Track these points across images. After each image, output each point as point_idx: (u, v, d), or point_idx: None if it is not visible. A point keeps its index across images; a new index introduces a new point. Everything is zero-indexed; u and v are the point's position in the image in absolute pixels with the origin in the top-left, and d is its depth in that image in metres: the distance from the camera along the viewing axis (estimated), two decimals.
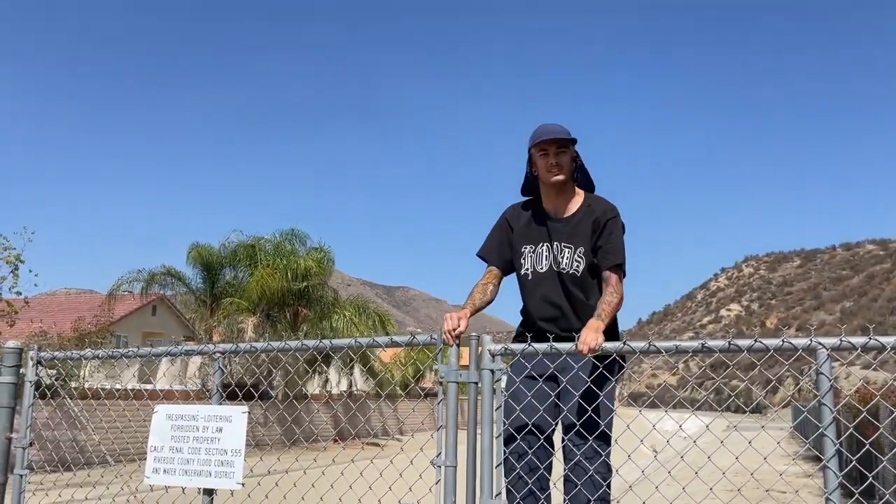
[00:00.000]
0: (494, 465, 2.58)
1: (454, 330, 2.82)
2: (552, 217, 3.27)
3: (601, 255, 3.15)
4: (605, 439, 2.91)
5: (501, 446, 2.62)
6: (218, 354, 3.21)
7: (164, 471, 3.18)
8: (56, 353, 3.79)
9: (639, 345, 2.53)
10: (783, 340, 2.33)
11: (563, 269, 3.19)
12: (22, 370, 3.68)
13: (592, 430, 2.86)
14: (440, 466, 2.66)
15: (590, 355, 2.63)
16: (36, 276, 20.66)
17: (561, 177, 3.17)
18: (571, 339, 2.83)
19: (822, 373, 2.24)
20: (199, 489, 3.12)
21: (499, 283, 3.35)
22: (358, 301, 28.81)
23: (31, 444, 3.62)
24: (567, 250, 3.21)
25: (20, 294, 16.48)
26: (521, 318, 3.39)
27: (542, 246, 3.26)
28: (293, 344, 3.18)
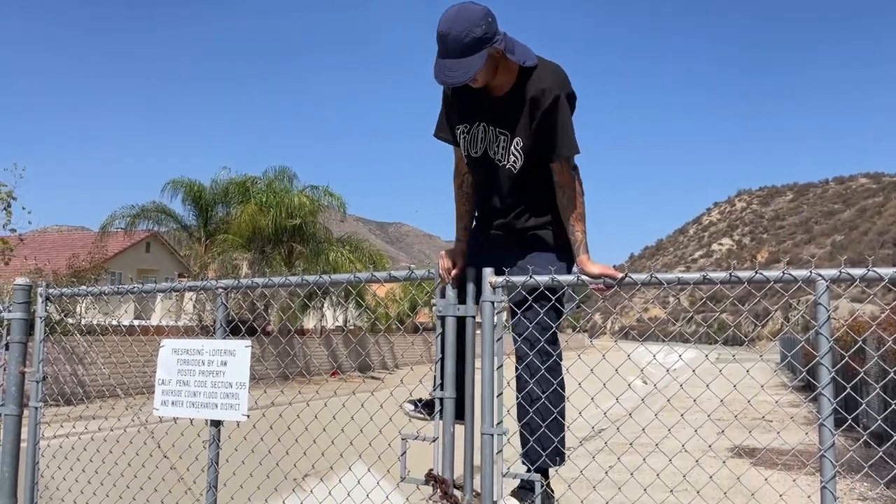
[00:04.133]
0: (495, 394, 2.63)
1: (449, 270, 2.76)
2: (488, 92, 2.66)
3: (546, 148, 2.64)
4: (555, 349, 2.70)
5: (503, 377, 2.65)
6: (221, 290, 3.23)
7: (172, 403, 3.24)
8: (64, 290, 3.82)
9: (640, 277, 2.55)
10: (783, 272, 2.35)
11: (499, 160, 2.72)
12: (32, 307, 3.74)
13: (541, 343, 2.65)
14: (439, 398, 2.71)
15: (591, 286, 2.61)
16: (29, 213, 20.57)
17: (478, 84, 2.60)
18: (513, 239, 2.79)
19: (820, 303, 2.27)
20: (207, 420, 3.19)
21: None
22: (352, 240, 28.87)
23: (44, 378, 3.71)
24: (502, 138, 2.69)
25: (14, 231, 16.44)
26: None
27: (479, 126, 2.74)
28: (294, 279, 3.19)
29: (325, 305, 30.37)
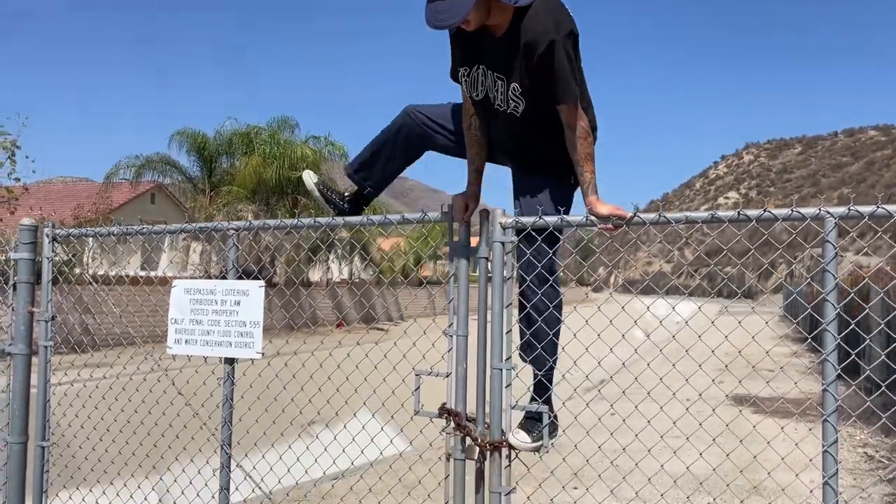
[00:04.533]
0: (504, 332, 2.68)
1: (463, 214, 2.82)
2: (488, 33, 2.59)
3: (545, 93, 2.60)
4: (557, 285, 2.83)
5: (512, 315, 2.71)
6: (232, 231, 3.26)
7: (186, 341, 3.30)
8: (71, 230, 3.84)
9: (649, 216, 2.57)
10: (792, 210, 2.37)
11: (499, 105, 2.71)
12: (38, 254, 3.77)
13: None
14: (452, 336, 2.77)
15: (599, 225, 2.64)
16: (33, 161, 20.56)
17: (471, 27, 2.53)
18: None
19: (828, 241, 2.29)
20: (221, 359, 3.25)
21: None
22: None
23: (53, 318, 3.74)
24: (500, 83, 2.66)
25: (19, 181, 16.43)
26: None
27: (478, 69, 2.70)
28: (306, 221, 3.21)
29: (331, 258, 30.53)
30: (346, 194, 3.18)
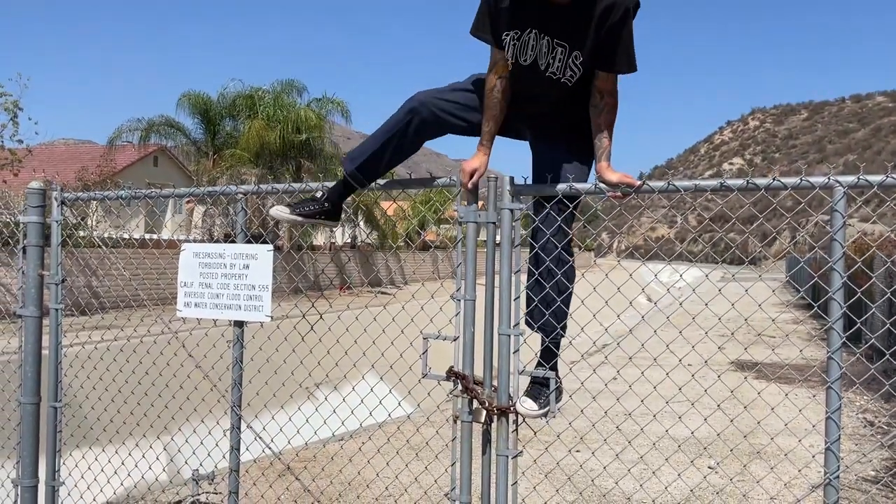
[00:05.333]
0: (512, 298, 2.71)
1: (470, 182, 2.77)
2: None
3: (603, 60, 2.56)
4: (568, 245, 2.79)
5: (520, 281, 2.73)
6: (241, 195, 3.27)
7: (196, 305, 3.34)
8: (80, 194, 3.85)
9: (657, 184, 2.57)
10: (801, 179, 2.37)
11: (553, 73, 2.63)
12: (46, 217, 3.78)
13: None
14: (459, 300, 2.79)
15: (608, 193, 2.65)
16: (36, 123, 20.53)
17: None
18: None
19: (836, 210, 2.29)
20: (230, 321, 3.29)
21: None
22: None
23: (63, 281, 3.77)
24: (559, 50, 2.58)
25: (22, 142, 16.41)
26: None
27: (531, 33, 2.60)
28: (314, 185, 3.21)
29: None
30: (320, 193, 3.02)
